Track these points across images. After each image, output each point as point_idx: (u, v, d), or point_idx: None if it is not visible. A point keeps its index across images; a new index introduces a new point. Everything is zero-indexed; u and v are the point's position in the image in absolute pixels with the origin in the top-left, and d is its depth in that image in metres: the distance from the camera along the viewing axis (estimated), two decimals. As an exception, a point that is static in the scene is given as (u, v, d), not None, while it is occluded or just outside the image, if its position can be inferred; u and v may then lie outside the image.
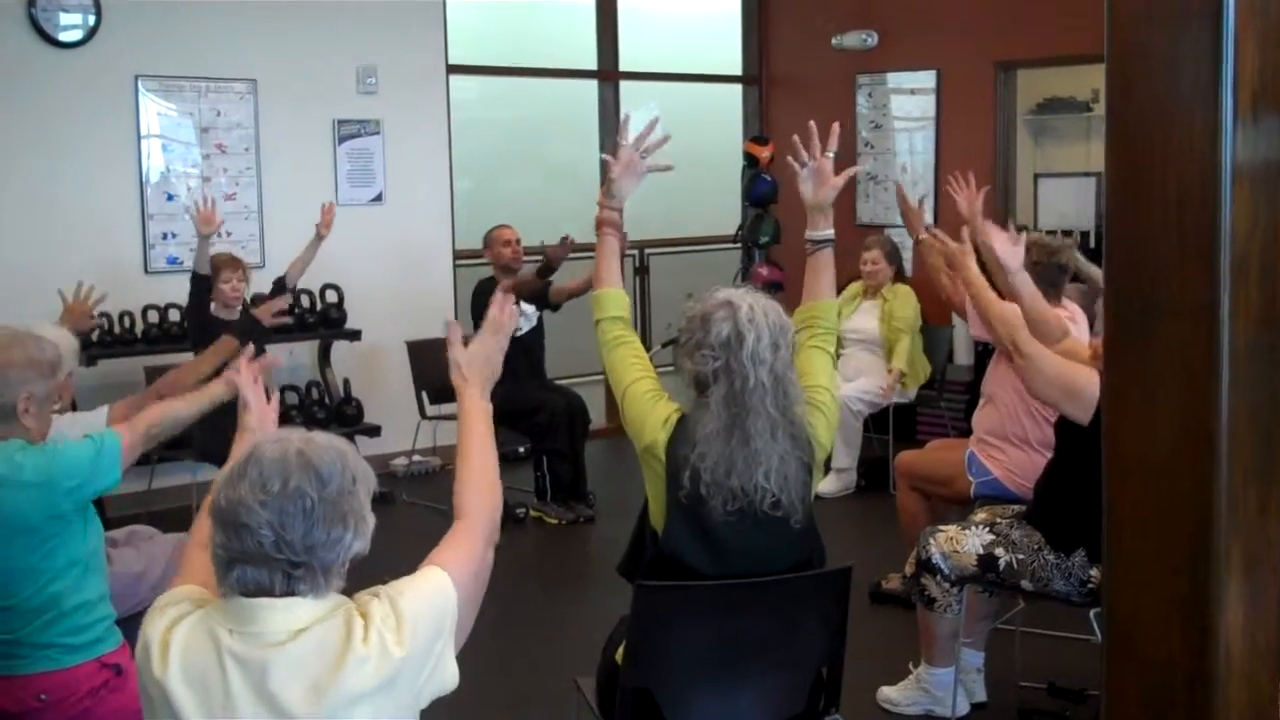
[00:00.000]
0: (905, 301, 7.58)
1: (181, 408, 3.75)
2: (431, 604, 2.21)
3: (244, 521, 2.08)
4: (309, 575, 2.11)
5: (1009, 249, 4.37)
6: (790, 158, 3.56)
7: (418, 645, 2.14)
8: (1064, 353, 4.19)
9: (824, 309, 3.46)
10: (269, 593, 2.10)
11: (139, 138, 7.33)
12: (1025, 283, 4.35)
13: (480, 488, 2.50)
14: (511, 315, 2.78)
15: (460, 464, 2.56)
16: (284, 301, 6.47)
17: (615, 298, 3.43)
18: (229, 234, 7.53)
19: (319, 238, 6.77)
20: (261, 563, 2.09)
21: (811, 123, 3.56)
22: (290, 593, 2.10)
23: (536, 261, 7.26)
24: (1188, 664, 1.53)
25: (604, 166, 3.54)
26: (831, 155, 3.52)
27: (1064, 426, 4.11)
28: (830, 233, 3.51)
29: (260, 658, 2.08)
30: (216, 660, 2.09)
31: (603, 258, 3.48)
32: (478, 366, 2.69)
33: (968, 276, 4.41)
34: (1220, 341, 1.49)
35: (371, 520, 2.20)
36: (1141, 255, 1.55)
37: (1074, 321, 4.98)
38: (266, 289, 7.44)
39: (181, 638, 2.13)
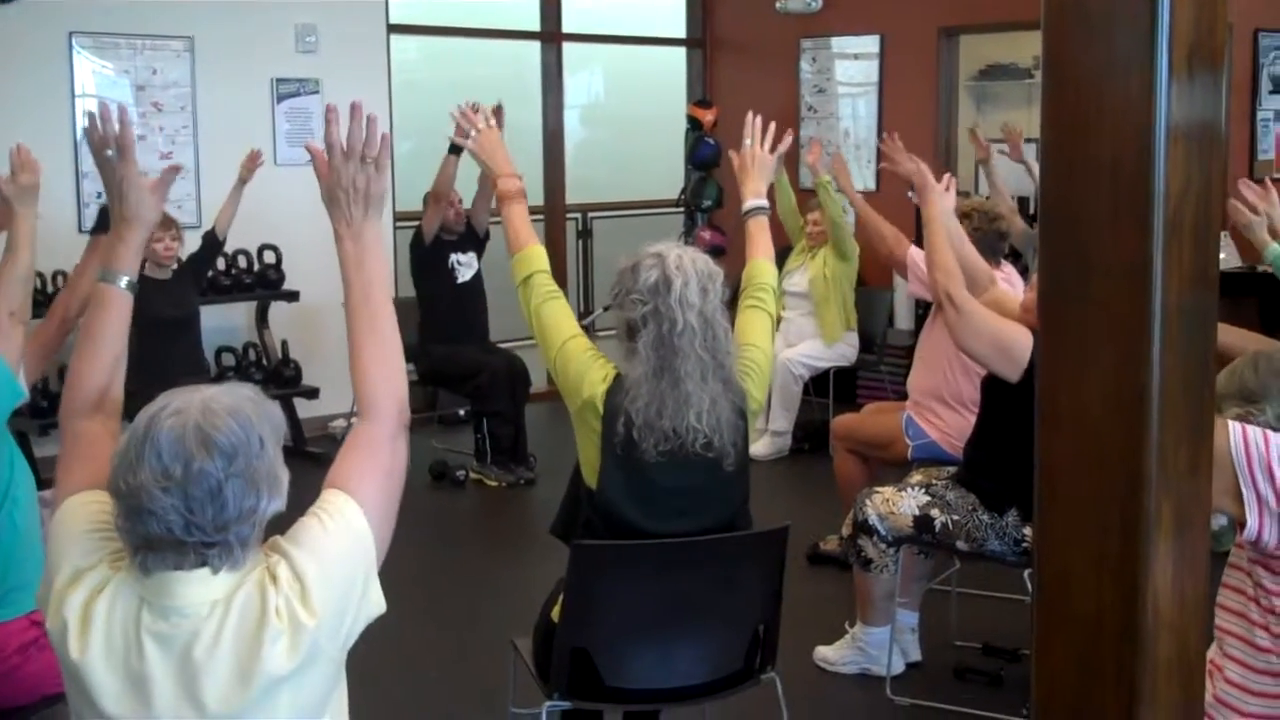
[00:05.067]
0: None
1: (16, 263, 3.42)
2: (338, 556, 2.05)
3: (148, 508, 1.93)
4: (225, 552, 1.98)
5: (940, 197, 4.42)
6: (733, 152, 3.74)
7: (329, 608, 2.01)
8: (991, 302, 4.23)
9: (760, 268, 3.52)
10: (181, 568, 1.98)
11: (73, 96, 7.20)
12: (959, 238, 4.43)
13: (390, 365, 2.23)
14: (387, 140, 2.31)
15: (365, 333, 2.23)
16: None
17: (540, 253, 3.42)
18: (165, 193, 7.43)
19: (241, 182, 6.71)
20: (169, 548, 1.96)
21: (758, 120, 3.69)
22: (202, 564, 1.98)
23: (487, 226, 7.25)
24: (1117, 619, 1.55)
25: (478, 147, 3.55)
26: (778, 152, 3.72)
27: (991, 385, 4.14)
28: (763, 201, 3.64)
29: (180, 638, 1.97)
30: (136, 641, 1.97)
31: (519, 222, 3.46)
32: (377, 185, 2.28)
33: (929, 213, 4.32)
34: (1153, 301, 1.50)
35: (285, 476, 2.05)
36: (1075, 215, 1.56)
37: (1008, 282, 5.04)
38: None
39: (102, 616, 1.99)
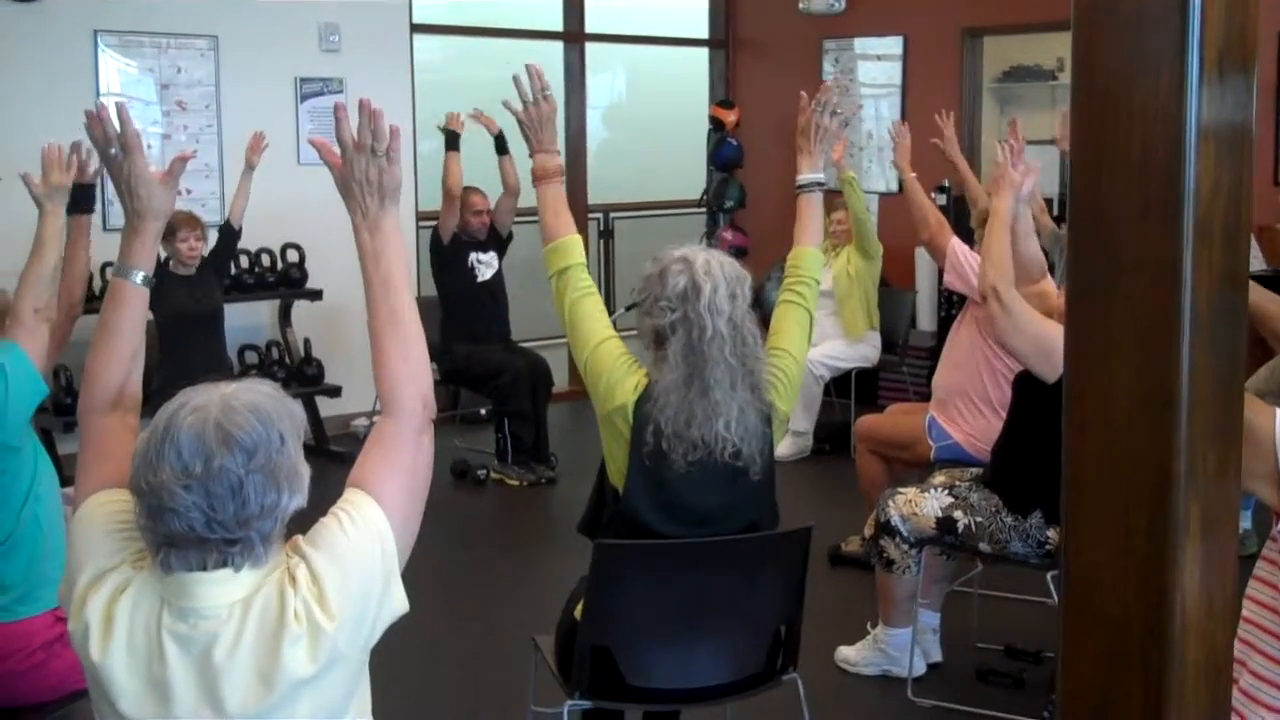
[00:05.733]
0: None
1: (43, 261, 3.48)
2: (357, 558, 2.05)
3: (170, 506, 1.92)
4: (247, 549, 1.97)
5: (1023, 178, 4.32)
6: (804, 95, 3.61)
7: (348, 611, 2.01)
8: (1036, 294, 4.21)
9: (806, 258, 3.46)
10: (203, 568, 1.98)
11: (98, 94, 7.22)
12: (1025, 215, 4.37)
13: (412, 359, 2.21)
14: (397, 133, 2.26)
15: (385, 326, 2.21)
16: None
17: (577, 244, 3.31)
18: (189, 192, 7.46)
19: (249, 168, 6.66)
20: (192, 545, 1.95)
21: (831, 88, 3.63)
22: (224, 564, 1.98)
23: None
24: (1145, 622, 1.54)
25: (527, 116, 3.35)
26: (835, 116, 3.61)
27: (1023, 385, 4.12)
28: (821, 176, 3.56)
29: (201, 640, 1.96)
30: (158, 643, 1.97)
31: (557, 206, 3.33)
32: (390, 177, 2.25)
33: (996, 204, 4.21)
34: (1182, 301, 1.49)
35: (306, 472, 2.04)
36: (1104, 214, 1.55)
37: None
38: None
39: (125, 616, 1.99)
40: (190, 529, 1.93)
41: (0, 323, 3.46)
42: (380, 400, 2.23)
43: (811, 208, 3.52)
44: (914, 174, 5.62)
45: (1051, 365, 3.90)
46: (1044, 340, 3.93)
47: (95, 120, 2.34)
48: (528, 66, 3.34)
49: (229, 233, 6.67)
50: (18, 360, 3.30)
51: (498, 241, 7.33)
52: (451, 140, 7.12)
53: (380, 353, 2.21)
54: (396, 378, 2.20)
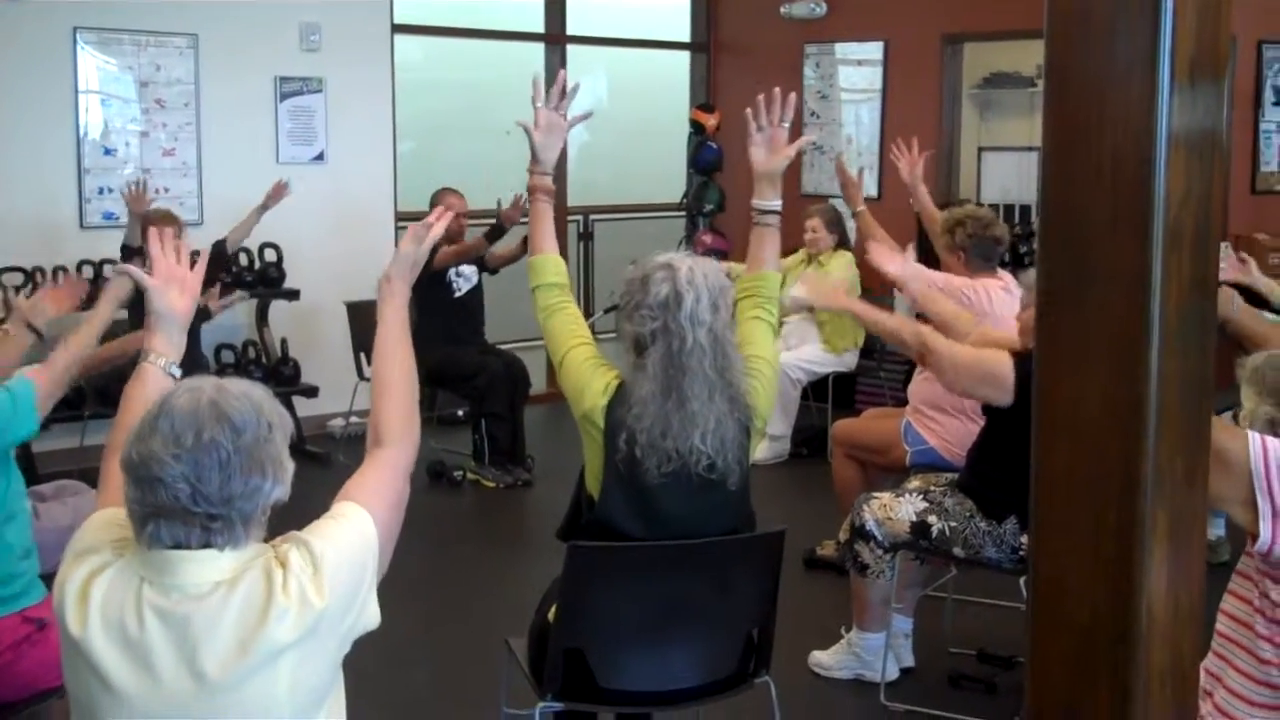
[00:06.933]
0: (841, 263, 7.39)
1: (86, 334, 3.69)
2: (351, 551, 2.14)
3: (157, 475, 2.00)
4: (227, 528, 2.04)
5: (900, 269, 4.70)
6: (750, 114, 3.53)
7: (338, 594, 2.08)
8: (980, 338, 4.25)
9: (766, 280, 3.46)
10: (186, 546, 2.04)
11: (76, 91, 7.20)
12: (926, 296, 4.64)
13: (405, 412, 2.44)
14: (442, 228, 2.64)
15: (384, 383, 2.46)
16: (236, 298, 6.60)
17: (552, 263, 3.41)
18: (167, 190, 7.44)
19: (263, 208, 6.69)
20: (177, 517, 2.02)
21: (775, 90, 3.53)
22: (207, 544, 2.04)
23: (485, 224, 7.23)
24: (1111, 626, 1.55)
25: (528, 133, 3.50)
26: (785, 125, 3.52)
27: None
28: (778, 203, 3.52)
29: (181, 613, 2.02)
30: (136, 614, 2.02)
31: (539, 223, 3.44)
32: (406, 268, 2.57)
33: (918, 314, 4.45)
34: (1152, 309, 1.50)
35: (290, 466, 2.13)
36: (1075, 222, 1.56)
37: (1007, 290, 5.05)
38: (203, 246, 7.35)
39: (101, 592, 2.06)
40: (175, 499, 2.01)
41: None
42: (374, 435, 2.40)
43: (770, 238, 3.47)
44: (864, 208, 5.66)
45: (1001, 389, 3.95)
46: (984, 367, 3.98)
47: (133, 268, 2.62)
48: (560, 74, 3.57)
49: (220, 253, 6.64)
50: (27, 397, 3.37)
51: (480, 259, 7.28)
52: (495, 233, 7.01)
53: (388, 391, 2.45)
54: (399, 417, 2.43)
